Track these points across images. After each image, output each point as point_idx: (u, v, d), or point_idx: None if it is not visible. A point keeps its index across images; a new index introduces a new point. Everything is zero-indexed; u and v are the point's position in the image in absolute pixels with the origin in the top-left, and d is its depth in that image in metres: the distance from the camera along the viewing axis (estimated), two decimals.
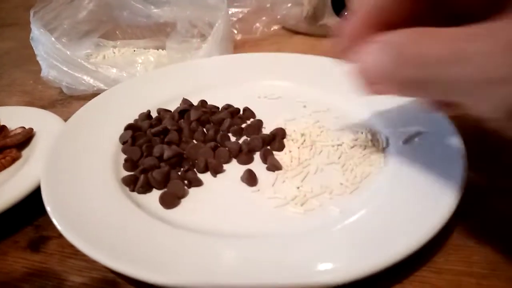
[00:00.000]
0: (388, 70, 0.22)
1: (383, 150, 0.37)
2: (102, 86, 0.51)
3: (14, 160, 0.40)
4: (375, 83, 0.24)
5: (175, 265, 0.27)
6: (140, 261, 0.27)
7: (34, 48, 0.53)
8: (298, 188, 0.35)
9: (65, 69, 0.51)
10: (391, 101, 0.42)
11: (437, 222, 0.28)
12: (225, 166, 0.38)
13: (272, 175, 0.36)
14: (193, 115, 0.43)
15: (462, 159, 0.33)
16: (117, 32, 0.63)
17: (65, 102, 0.54)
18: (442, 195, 0.30)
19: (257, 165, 0.38)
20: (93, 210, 0.32)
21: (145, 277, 0.26)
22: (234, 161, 0.38)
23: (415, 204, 0.30)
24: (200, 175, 0.37)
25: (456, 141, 0.35)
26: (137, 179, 0.35)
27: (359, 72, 0.24)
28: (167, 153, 0.37)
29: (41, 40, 0.51)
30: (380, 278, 0.27)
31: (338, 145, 0.39)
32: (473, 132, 0.42)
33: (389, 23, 0.23)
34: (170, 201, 0.33)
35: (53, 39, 0.51)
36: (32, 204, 0.34)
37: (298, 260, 0.27)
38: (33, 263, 0.32)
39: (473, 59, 0.19)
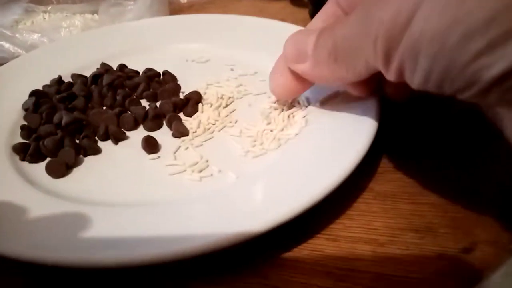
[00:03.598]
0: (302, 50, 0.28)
1: (300, 112, 0.35)
2: (22, 52, 0.48)
3: None
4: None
5: (58, 240, 0.24)
6: (18, 238, 0.25)
7: None
8: (200, 154, 0.32)
9: None
10: None
11: (329, 184, 0.25)
12: (130, 133, 0.35)
13: (177, 141, 0.34)
14: (105, 79, 0.40)
15: (374, 118, 0.30)
16: None
17: None
18: (343, 158, 0.27)
19: (165, 131, 0.35)
20: None
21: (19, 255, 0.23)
22: (141, 127, 0.36)
23: (315, 168, 0.28)
24: (101, 143, 0.34)
25: (373, 101, 0.32)
26: (29, 147, 0.32)
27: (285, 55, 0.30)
28: (65, 119, 0.34)
29: None
30: (271, 246, 0.26)
31: (257, 108, 0.36)
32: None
33: None
34: (57, 169, 0.31)
35: None
36: None
37: (177, 228, 0.25)
38: None
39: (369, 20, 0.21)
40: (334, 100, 0.34)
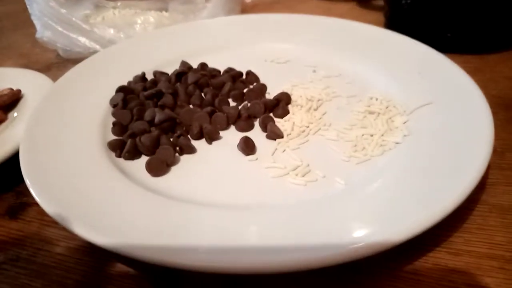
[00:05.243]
0: None
1: (399, 117, 0.33)
2: (98, 48, 0.48)
3: None
4: None
5: (160, 238, 0.24)
6: (123, 234, 0.24)
7: (28, 7, 0.50)
8: (300, 157, 0.31)
9: (60, 29, 0.48)
10: (406, 67, 0.38)
11: (455, 198, 0.24)
12: (222, 133, 0.34)
13: (272, 143, 0.33)
14: (190, 78, 0.39)
15: (488, 129, 0.29)
16: None
17: (61, 65, 0.51)
18: (463, 169, 0.26)
19: (258, 132, 0.34)
20: (75, 177, 0.29)
21: (129, 252, 0.23)
22: (232, 128, 0.35)
23: (431, 178, 0.26)
24: (194, 142, 0.33)
25: (483, 109, 0.31)
26: (125, 144, 0.32)
27: None
28: (158, 117, 0.34)
29: None
30: (390, 258, 0.24)
31: (350, 111, 0.35)
32: (500, 97, 0.38)
33: None
34: (157, 168, 0.30)
35: None
36: (15, 169, 0.32)
37: (295, 234, 0.24)
38: (10, 231, 0.30)
39: None
40: (435, 106, 0.33)
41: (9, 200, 0.32)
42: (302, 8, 0.63)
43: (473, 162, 0.26)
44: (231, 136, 0.34)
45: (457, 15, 0.44)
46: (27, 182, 0.28)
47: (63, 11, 0.46)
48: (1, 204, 0.32)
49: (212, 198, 0.28)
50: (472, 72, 0.39)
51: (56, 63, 0.52)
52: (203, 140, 0.34)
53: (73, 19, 0.46)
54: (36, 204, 0.31)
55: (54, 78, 0.42)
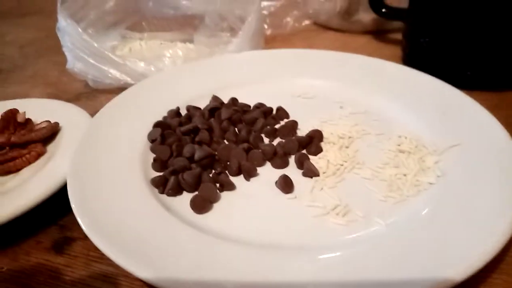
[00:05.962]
0: None
1: (429, 157, 0.35)
2: (129, 80, 0.49)
3: (39, 155, 0.39)
4: None
5: (205, 275, 0.25)
6: (169, 269, 0.25)
7: (60, 39, 0.51)
8: (338, 196, 0.32)
9: (91, 61, 0.49)
10: (431, 105, 0.40)
11: (497, 241, 0.25)
12: (258, 170, 0.35)
13: (309, 181, 0.34)
14: (224, 113, 0.40)
15: None
16: (143, 23, 0.61)
17: (90, 95, 0.52)
18: (502, 211, 0.27)
19: (293, 169, 0.36)
20: (121, 211, 0.30)
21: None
22: (267, 164, 0.36)
23: (472, 220, 0.28)
24: (232, 178, 0.34)
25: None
26: (167, 180, 0.33)
27: None
28: (198, 154, 0.35)
29: (68, 30, 0.49)
30: None
31: (381, 150, 0.37)
32: None
33: None
34: (201, 205, 0.31)
35: (80, 30, 0.49)
36: (57, 202, 0.33)
37: (338, 277, 0.25)
38: (57, 266, 0.30)
39: None
40: (464, 146, 0.34)
41: (53, 234, 0.33)
42: (319, 40, 0.65)
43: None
44: (267, 172, 0.35)
45: (476, 53, 0.46)
46: (78, 218, 0.29)
47: (96, 44, 0.48)
48: (46, 237, 0.33)
49: (259, 237, 0.29)
50: (492, 109, 0.41)
51: (85, 93, 0.53)
52: (240, 176, 0.35)
53: (106, 52, 0.48)
54: (81, 238, 0.32)
55: (85, 108, 0.44)
